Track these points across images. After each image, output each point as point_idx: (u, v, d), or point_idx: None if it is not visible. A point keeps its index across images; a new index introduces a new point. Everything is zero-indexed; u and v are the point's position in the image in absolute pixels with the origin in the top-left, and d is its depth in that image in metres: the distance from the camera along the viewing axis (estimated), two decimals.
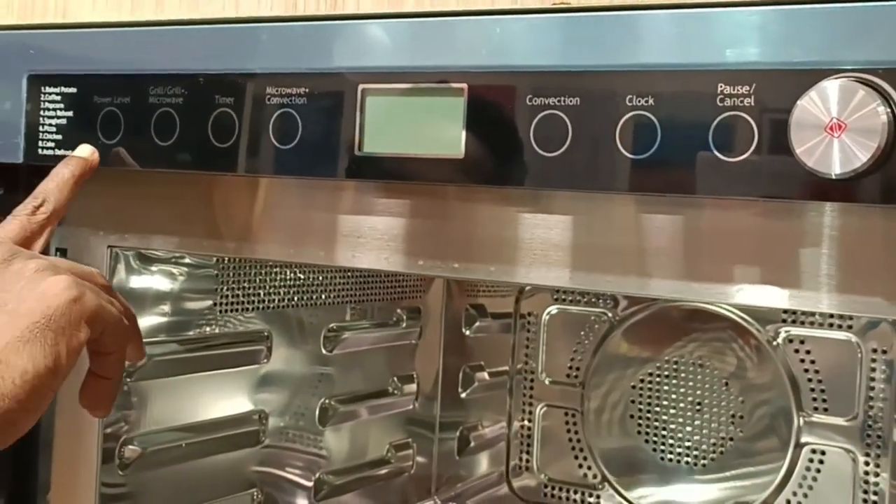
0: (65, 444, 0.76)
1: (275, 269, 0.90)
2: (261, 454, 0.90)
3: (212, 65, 0.64)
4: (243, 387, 0.88)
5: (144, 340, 0.76)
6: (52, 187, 0.64)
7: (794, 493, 0.95)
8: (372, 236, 0.65)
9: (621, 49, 0.53)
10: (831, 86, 0.46)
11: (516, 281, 0.62)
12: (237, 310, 0.86)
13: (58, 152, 0.70)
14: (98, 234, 0.74)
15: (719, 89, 0.50)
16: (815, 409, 0.94)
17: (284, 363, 0.92)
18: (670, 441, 1.01)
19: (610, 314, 1.04)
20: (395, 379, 1.06)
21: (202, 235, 0.71)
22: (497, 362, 1.18)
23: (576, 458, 1.06)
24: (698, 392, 0.99)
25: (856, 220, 0.53)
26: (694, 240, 0.57)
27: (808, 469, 0.95)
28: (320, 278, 0.95)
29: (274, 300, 0.90)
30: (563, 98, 0.54)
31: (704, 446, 0.99)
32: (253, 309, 0.88)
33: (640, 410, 1.02)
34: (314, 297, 0.95)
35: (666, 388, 1.01)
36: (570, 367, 1.07)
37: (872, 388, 0.91)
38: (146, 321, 0.78)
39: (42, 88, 0.71)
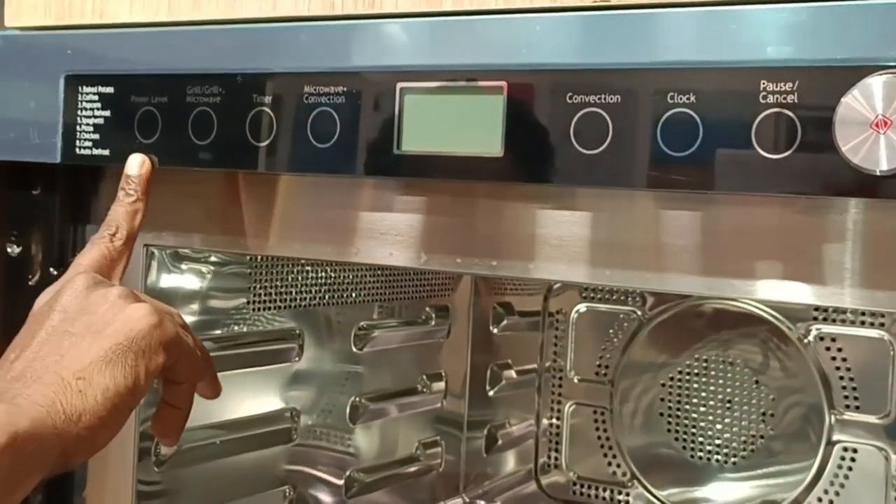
0: None
1: (306, 268, 0.90)
2: (292, 452, 0.90)
3: (249, 64, 0.65)
4: (275, 385, 0.89)
5: None
6: (122, 213, 0.66)
7: (826, 492, 0.95)
8: (409, 234, 0.65)
9: (662, 46, 0.53)
10: (876, 82, 0.46)
11: (555, 279, 0.62)
12: (269, 308, 0.86)
13: (95, 151, 0.71)
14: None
15: (762, 86, 0.50)
16: (847, 406, 0.94)
17: (315, 361, 0.92)
18: (700, 439, 1.01)
19: (639, 312, 1.04)
20: (424, 377, 1.06)
21: (238, 234, 0.71)
22: (524, 360, 1.18)
23: (605, 455, 1.06)
24: (728, 390, 0.99)
25: (880, 216, 0.53)
26: (718, 236, 0.57)
27: (839, 467, 0.94)
28: (350, 276, 0.95)
29: (305, 298, 0.90)
30: (603, 95, 0.54)
31: (734, 444, 0.99)
32: (285, 307, 0.88)
33: (670, 408, 1.02)
34: (344, 295, 0.95)
35: (696, 385, 1.01)
36: (599, 365, 1.07)
37: None
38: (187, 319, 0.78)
39: (79, 88, 0.71)
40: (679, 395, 1.02)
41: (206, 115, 0.66)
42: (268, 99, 0.64)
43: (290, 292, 0.88)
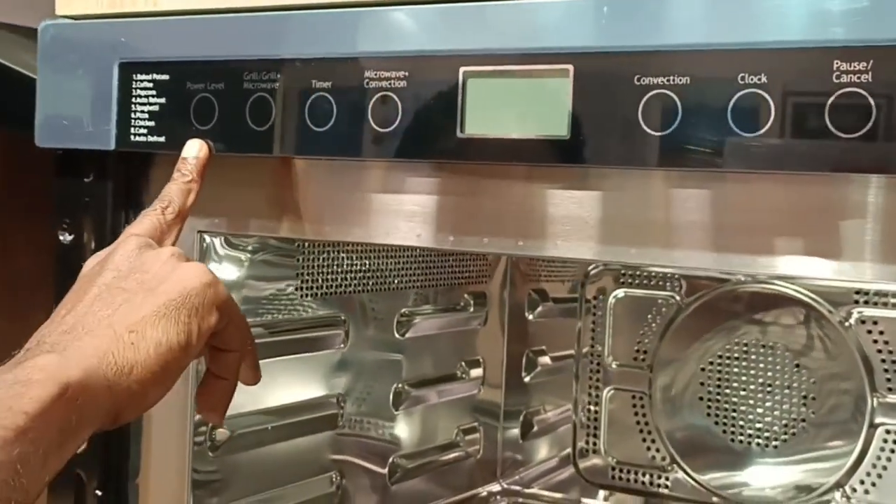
0: (156, 429, 0.77)
1: (352, 254, 0.90)
2: (338, 438, 0.91)
3: (308, 49, 0.65)
4: (322, 371, 0.89)
5: None
6: (175, 189, 0.67)
7: (868, 474, 0.95)
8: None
9: (732, 27, 0.53)
10: None
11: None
12: (317, 295, 0.87)
13: (150, 139, 0.71)
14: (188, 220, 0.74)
15: (835, 66, 0.50)
16: (890, 389, 0.94)
17: (359, 348, 0.93)
18: (740, 423, 1.01)
19: (677, 297, 1.04)
20: (463, 363, 1.07)
21: (293, 219, 0.71)
22: (559, 347, 1.18)
23: (643, 440, 1.06)
24: (769, 374, 0.99)
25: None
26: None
27: (881, 450, 0.94)
28: (392, 263, 0.96)
29: (350, 285, 0.90)
30: (672, 77, 0.54)
31: (776, 428, 0.99)
32: (331, 294, 0.88)
33: (710, 392, 1.02)
34: (387, 282, 0.95)
35: (735, 369, 1.01)
36: (637, 351, 1.07)
37: None
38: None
39: (133, 76, 0.72)
40: (719, 379, 1.02)
41: (265, 101, 0.66)
42: (327, 84, 0.64)
43: (336, 279, 0.89)
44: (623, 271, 1.07)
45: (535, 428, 1.17)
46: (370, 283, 0.93)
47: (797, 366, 0.98)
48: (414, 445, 1.00)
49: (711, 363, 1.02)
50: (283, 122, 0.66)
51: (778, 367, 0.99)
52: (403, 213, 0.67)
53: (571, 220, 0.61)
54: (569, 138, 0.57)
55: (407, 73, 0.61)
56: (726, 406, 1.02)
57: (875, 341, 0.95)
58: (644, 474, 1.07)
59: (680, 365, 1.04)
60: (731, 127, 0.52)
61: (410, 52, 0.61)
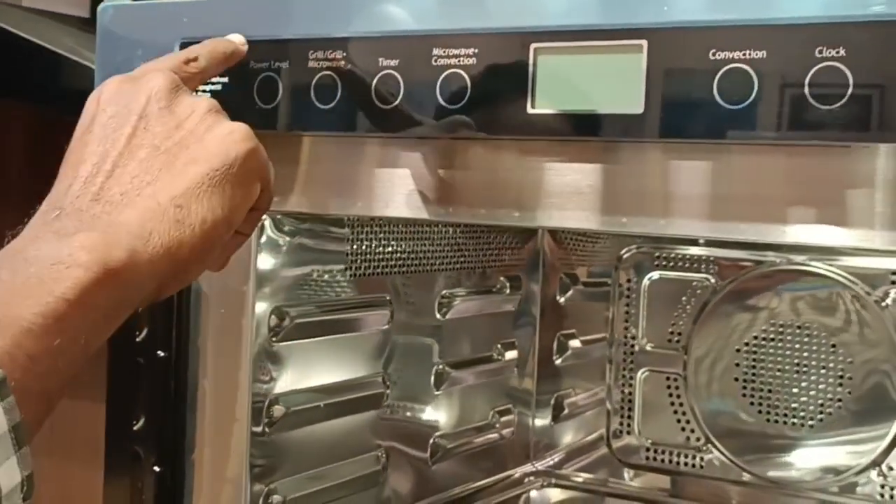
0: (212, 405, 0.78)
1: (397, 236, 0.91)
2: (383, 417, 0.92)
3: (374, 27, 0.66)
4: (369, 350, 0.90)
5: (287, 303, 0.78)
6: (205, 52, 0.62)
7: None
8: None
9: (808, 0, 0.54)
10: None
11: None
12: (365, 275, 0.88)
13: None
14: None
15: None
16: None
17: (402, 328, 0.94)
18: (776, 403, 1.02)
19: (712, 280, 1.05)
20: (499, 345, 1.08)
21: (353, 197, 0.72)
22: (590, 330, 1.19)
23: (678, 421, 1.08)
24: (805, 354, 1.01)
25: None
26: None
27: None
28: (432, 245, 0.97)
29: (396, 266, 0.91)
30: (748, 51, 0.55)
31: (811, 408, 1.00)
32: (378, 274, 0.89)
33: (745, 373, 1.03)
34: (429, 263, 0.96)
35: (771, 350, 1.02)
36: (672, 333, 1.08)
37: None
38: (287, 285, 0.80)
39: None
40: (754, 360, 1.03)
41: (330, 79, 0.67)
42: (394, 62, 0.65)
43: (382, 260, 0.90)
44: (657, 254, 1.08)
45: (566, 411, 1.18)
46: (413, 264, 0.94)
47: (833, 346, 0.99)
48: (452, 426, 1.01)
49: (747, 344, 1.04)
50: (349, 100, 0.66)
51: (814, 348, 1.00)
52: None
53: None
54: (643, 112, 0.58)
55: (476, 51, 0.62)
56: (761, 387, 1.03)
57: None
58: (678, 454, 1.08)
59: (714, 346, 1.05)
60: (809, 99, 0.53)
61: (480, 29, 0.62)
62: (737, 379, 1.04)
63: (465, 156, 0.66)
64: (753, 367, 1.03)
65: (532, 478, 1.14)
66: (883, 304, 0.97)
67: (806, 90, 0.53)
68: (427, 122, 0.64)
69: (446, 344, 0.99)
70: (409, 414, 0.96)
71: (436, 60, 0.63)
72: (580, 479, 1.16)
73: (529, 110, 0.61)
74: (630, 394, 1.10)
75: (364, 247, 0.87)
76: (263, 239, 0.78)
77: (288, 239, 0.80)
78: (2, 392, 0.43)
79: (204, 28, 0.72)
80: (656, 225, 0.61)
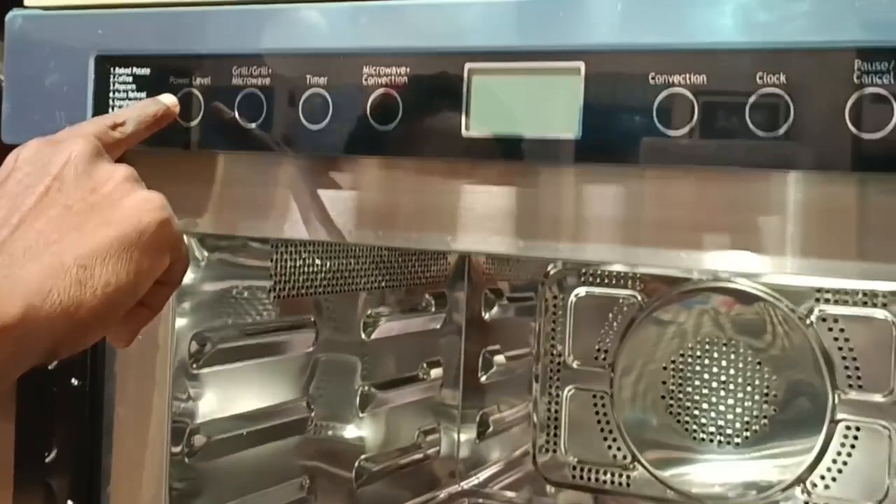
0: (130, 435, 0.74)
1: (322, 255, 0.89)
2: (307, 441, 0.89)
3: (302, 44, 0.63)
4: (292, 373, 0.88)
5: (209, 327, 0.75)
6: (135, 115, 0.61)
7: (829, 469, 0.97)
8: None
9: (749, 25, 0.53)
10: None
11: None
12: (291, 295, 0.85)
13: None
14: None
15: (856, 66, 0.50)
16: (850, 386, 0.96)
17: (327, 350, 0.91)
18: (702, 420, 1.02)
19: (639, 297, 1.05)
20: (425, 364, 1.06)
21: (278, 219, 0.69)
22: (516, 346, 1.18)
23: (605, 439, 1.07)
24: (731, 371, 1.01)
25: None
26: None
27: (842, 445, 0.96)
28: (357, 264, 0.94)
29: (321, 286, 0.89)
30: (688, 76, 0.54)
31: (738, 425, 1.00)
32: (303, 294, 0.87)
33: (671, 390, 1.03)
34: (354, 282, 0.94)
35: (698, 367, 1.02)
36: (598, 350, 1.07)
37: None
38: (208, 306, 0.77)
39: (112, 70, 0.69)
40: (681, 376, 1.03)
41: (255, 97, 0.64)
42: (323, 80, 0.63)
43: (307, 280, 0.87)
44: (583, 270, 1.08)
45: (492, 428, 1.17)
46: (338, 283, 0.92)
47: (758, 363, 1.00)
48: (378, 448, 0.99)
49: (673, 361, 1.03)
50: (275, 119, 0.64)
51: (740, 365, 1.00)
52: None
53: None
54: (580, 138, 0.56)
55: (408, 70, 0.60)
56: (688, 404, 1.03)
57: (836, 338, 0.97)
58: (604, 472, 1.07)
59: (642, 363, 1.05)
60: (749, 126, 0.52)
61: (412, 49, 0.60)
62: (663, 396, 1.04)
63: (382, 177, 0.64)
64: (680, 384, 1.03)
65: (459, 497, 1.12)
66: (807, 321, 0.97)
67: (746, 117, 0.52)
68: (357, 143, 0.62)
69: (371, 364, 0.97)
70: (333, 436, 0.94)
71: (366, 79, 0.61)
72: (504, 498, 1.14)
73: (464, 133, 0.59)
74: (556, 411, 1.09)
75: (288, 265, 0.85)
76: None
77: (208, 255, 0.77)
78: None
79: (121, 41, 0.69)
80: (575, 251, 0.60)
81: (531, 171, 0.60)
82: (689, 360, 1.02)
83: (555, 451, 1.10)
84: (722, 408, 1.01)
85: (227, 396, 0.79)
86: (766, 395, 0.99)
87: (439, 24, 0.60)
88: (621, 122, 0.55)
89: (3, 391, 0.48)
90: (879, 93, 0.50)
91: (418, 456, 1.05)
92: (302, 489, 0.88)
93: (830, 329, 0.97)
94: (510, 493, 1.16)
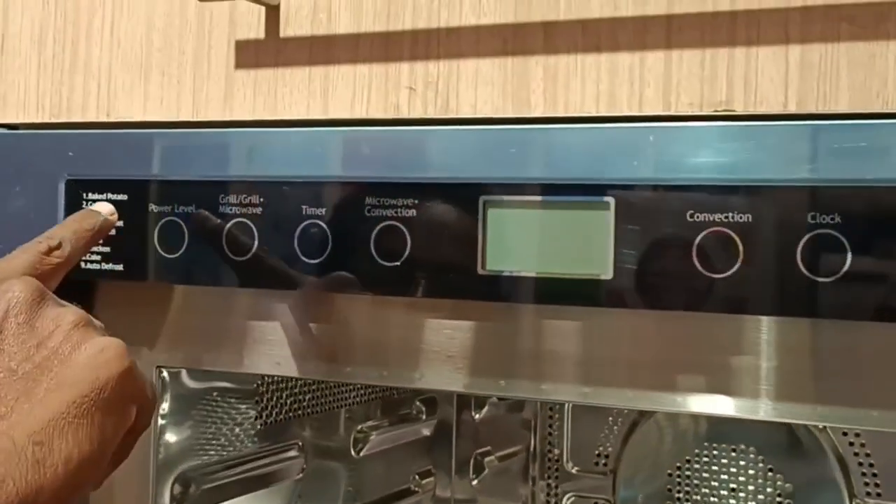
0: None
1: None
2: None
3: (296, 171, 0.58)
4: (280, 502, 0.81)
5: (193, 465, 0.69)
6: (71, 234, 0.55)
7: None
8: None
9: (797, 160, 0.48)
10: None
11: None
12: (279, 420, 0.79)
13: (105, 266, 0.63)
14: (143, 352, 0.65)
15: None
16: (868, 493, 0.91)
17: (316, 473, 0.85)
18: None
19: None
20: (416, 476, 1.00)
21: (260, 354, 0.64)
22: (509, 445, 1.12)
23: None
24: (741, 478, 0.95)
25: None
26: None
27: None
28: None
29: (310, 407, 0.83)
30: (731, 214, 0.49)
31: None
32: (290, 417, 0.81)
33: (678, 499, 0.98)
34: (341, 399, 0.88)
35: (706, 474, 0.97)
36: (599, 455, 1.02)
37: None
38: (191, 444, 0.71)
39: (84, 195, 0.63)
40: (688, 484, 0.97)
41: (245, 227, 0.59)
42: (320, 211, 0.57)
43: (297, 402, 0.81)
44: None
45: None
46: (326, 401, 0.86)
47: (770, 470, 0.94)
48: None
49: (679, 468, 0.98)
50: (267, 251, 0.58)
51: (751, 472, 0.95)
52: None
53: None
54: (612, 278, 0.51)
55: (416, 202, 0.55)
56: None
57: (851, 444, 0.92)
58: None
59: (646, 470, 0.99)
60: (801, 269, 0.47)
61: (420, 179, 0.55)
62: None
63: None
64: (687, 491, 0.97)
65: None
66: (821, 426, 0.92)
67: (798, 258, 0.47)
68: (360, 279, 0.56)
69: (363, 483, 0.91)
70: None
71: (369, 211, 0.56)
72: None
73: (480, 271, 0.54)
74: None
75: (273, 388, 0.78)
76: (166, 394, 0.68)
77: (192, 394, 0.71)
78: None
79: (94, 164, 0.63)
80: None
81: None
82: (697, 465, 0.97)
83: None
84: None
85: None
86: (780, 503, 0.94)
87: (453, 154, 0.55)
88: (658, 263, 0.50)
89: None
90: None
91: None
92: None
93: (845, 433, 0.92)
94: None
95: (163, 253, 0.61)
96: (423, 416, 1.00)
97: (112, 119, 0.64)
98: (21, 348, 0.46)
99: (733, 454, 0.96)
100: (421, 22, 0.55)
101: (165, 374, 0.68)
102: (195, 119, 0.61)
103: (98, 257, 0.63)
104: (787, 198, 0.48)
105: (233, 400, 0.75)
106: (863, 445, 0.91)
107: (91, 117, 0.64)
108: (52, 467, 0.43)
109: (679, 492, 0.97)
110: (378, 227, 0.56)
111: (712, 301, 0.49)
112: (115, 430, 0.47)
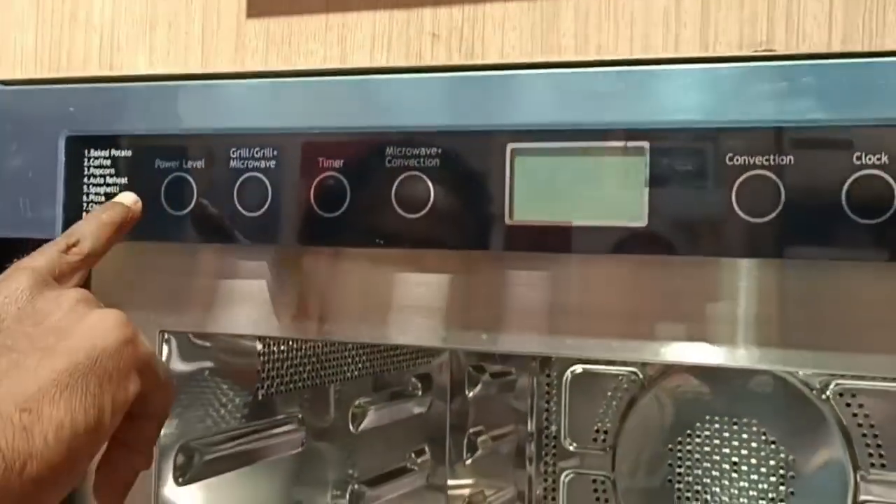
0: None
1: (310, 344, 0.81)
2: None
3: (312, 122, 0.56)
4: (280, 478, 0.79)
5: (197, 435, 0.67)
6: (90, 229, 0.53)
7: None
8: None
9: (849, 99, 0.47)
10: None
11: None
12: (280, 391, 0.77)
13: None
14: (149, 317, 0.63)
15: None
16: (873, 465, 0.90)
17: (315, 448, 0.83)
18: None
19: (640, 374, 0.98)
20: (412, 454, 0.98)
21: (265, 316, 0.62)
22: (502, 424, 1.11)
23: None
24: (743, 452, 0.94)
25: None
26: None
27: None
28: (344, 351, 0.86)
29: (310, 377, 0.81)
30: (772, 157, 0.47)
31: None
32: (291, 390, 0.78)
33: (679, 474, 0.96)
34: (340, 371, 0.86)
35: (707, 448, 0.96)
36: (598, 431, 1.00)
37: None
38: (192, 414, 0.68)
39: (86, 152, 0.61)
40: (689, 459, 0.96)
41: (258, 181, 0.57)
42: (338, 163, 0.55)
43: (297, 373, 0.79)
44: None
45: None
46: (324, 374, 0.84)
47: (773, 443, 0.93)
48: None
49: (680, 442, 0.97)
50: (282, 206, 0.56)
51: (753, 445, 0.94)
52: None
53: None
54: (647, 225, 0.49)
55: (440, 151, 0.53)
56: (698, 488, 0.96)
57: (855, 414, 0.91)
58: None
59: (646, 445, 0.98)
60: (845, 210, 0.46)
61: (443, 127, 0.53)
62: (670, 480, 0.97)
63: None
64: (689, 466, 0.96)
65: None
66: (823, 396, 0.91)
67: (843, 200, 0.46)
68: (380, 232, 0.54)
69: (361, 459, 0.89)
70: None
71: (390, 161, 0.54)
72: None
73: (507, 220, 0.52)
74: (553, 498, 1.02)
75: (275, 357, 0.76)
76: (171, 362, 0.66)
77: (194, 360, 0.68)
78: None
79: (96, 120, 0.61)
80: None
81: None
82: (698, 440, 0.96)
83: None
84: (734, 491, 0.95)
85: None
86: (783, 475, 0.93)
87: (474, 99, 0.53)
88: (694, 208, 0.49)
89: None
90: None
91: None
92: None
93: (849, 404, 0.91)
94: None
95: (170, 210, 0.59)
96: (419, 393, 0.98)
97: (115, 73, 0.61)
98: (20, 328, 0.46)
99: (735, 427, 0.95)
100: None
101: (172, 341, 0.65)
102: (204, 72, 0.59)
103: None
104: (830, 139, 0.47)
105: (234, 370, 0.73)
106: (867, 416, 0.91)
107: (93, 72, 0.62)
108: (41, 435, 0.42)
109: (680, 466, 0.96)
110: (399, 178, 0.54)
111: (753, 246, 0.48)
112: (115, 400, 0.45)
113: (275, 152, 0.56)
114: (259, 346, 0.75)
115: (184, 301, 0.63)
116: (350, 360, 0.88)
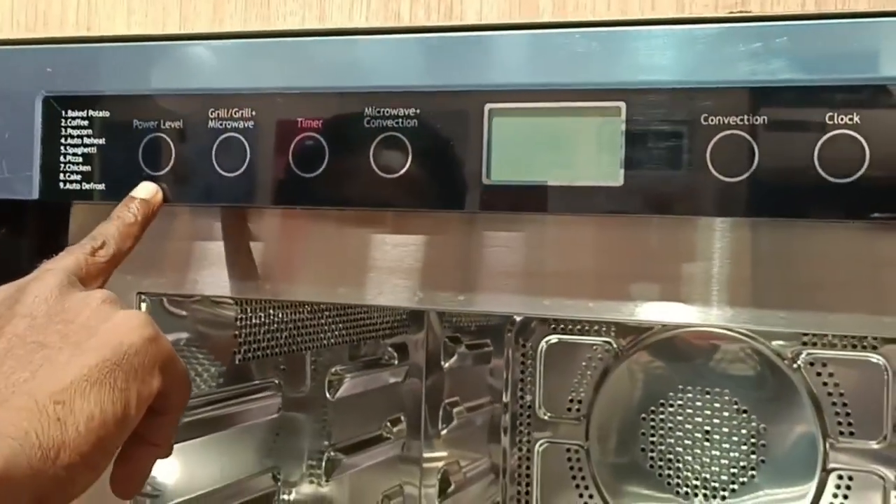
0: None
1: (286, 311, 0.81)
2: None
3: (290, 82, 0.56)
4: (256, 445, 0.79)
5: None
6: (114, 230, 0.55)
7: None
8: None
9: (814, 59, 0.47)
10: None
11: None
12: (257, 356, 0.77)
13: (86, 186, 0.60)
14: (126, 279, 0.63)
15: None
16: (842, 433, 0.92)
17: (290, 414, 0.83)
18: (686, 473, 0.96)
19: (613, 344, 0.99)
20: (388, 423, 0.99)
21: (241, 277, 0.62)
22: (477, 396, 1.11)
23: (580, 496, 1.01)
24: (715, 421, 0.96)
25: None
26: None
27: (835, 495, 0.92)
28: (321, 319, 0.87)
29: (286, 344, 0.81)
30: (746, 117, 0.48)
31: (724, 477, 0.95)
32: (268, 355, 0.79)
33: (652, 443, 0.97)
34: (316, 338, 0.86)
35: (679, 417, 0.97)
36: (572, 401, 1.01)
37: None
38: None
39: (63, 112, 0.61)
40: (661, 428, 0.97)
41: (236, 141, 0.57)
42: (317, 123, 0.55)
43: (274, 339, 0.79)
44: (556, 317, 1.01)
45: (453, 486, 1.10)
46: (300, 340, 0.84)
47: (745, 412, 0.95)
48: None
49: (653, 411, 0.98)
50: (260, 166, 0.56)
51: (724, 414, 0.95)
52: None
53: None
54: (622, 185, 0.50)
55: (417, 111, 0.53)
56: (670, 456, 0.97)
57: (825, 384, 0.92)
58: None
59: (619, 414, 0.99)
60: (818, 171, 0.47)
61: (421, 87, 0.53)
62: (643, 449, 0.98)
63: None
64: (661, 435, 0.97)
65: None
66: (794, 365, 0.93)
67: (815, 160, 0.47)
68: (357, 193, 0.55)
69: (336, 426, 0.89)
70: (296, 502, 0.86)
71: (368, 122, 0.54)
72: None
73: (484, 180, 0.52)
74: (528, 466, 1.03)
75: (253, 322, 0.77)
76: None
77: (173, 324, 0.69)
78: None
79: (73, 81, 0.61)
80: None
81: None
82: (670, 409, 0.97)
83: None
84: (706, 459, 0.96)
85: (190, 475, 0.71)
86: (754, 444, 0.94)
87: (451, 59, 0.54)
88: (669, 168, 0.49)
89: None
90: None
91: None
92: None
93: (819, 374, 0.93)
94: None
95: (148, 170, 0.59)
96: (395, 362, 0.99)
97: (93, 34, 0.61)
98: (51, 326, 0.48)
99: (707, 397, 0.96)
100: None
101: (151, 308, 0.65)
102: (182, 32, 0.59)
103: (78, 177, 0.60)
104: (803, 99, 0.47)
105: (211, 337, 0.73)
106: (836, 385, 0.92)
107: (70, 32, 0.61)
108: (73, 425, 0.44)
109: (653, 435, 0.97)
110: (377, 139, 0.54)
111: (727, 205, 0.49)
112: (140, 395, 0.48)
113: (253, 113, 0.56)
114: (236, 312, 0.75)
115: (161, 263, 0.63)
116: (327, 327, 0.88)
